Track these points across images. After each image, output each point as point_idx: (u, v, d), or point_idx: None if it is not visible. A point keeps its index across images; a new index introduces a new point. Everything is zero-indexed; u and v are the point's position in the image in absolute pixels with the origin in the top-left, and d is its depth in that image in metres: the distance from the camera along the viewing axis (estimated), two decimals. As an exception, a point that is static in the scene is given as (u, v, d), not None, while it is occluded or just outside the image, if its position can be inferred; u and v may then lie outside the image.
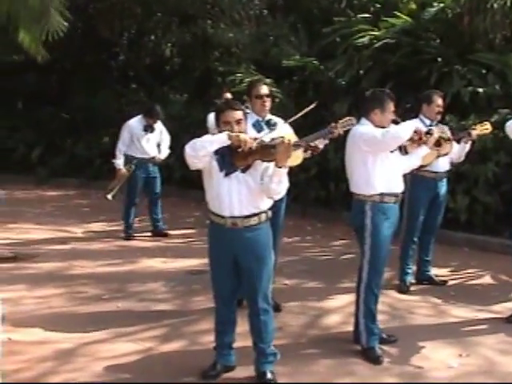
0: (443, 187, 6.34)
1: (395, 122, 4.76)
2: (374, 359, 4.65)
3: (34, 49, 10.09)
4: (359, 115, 4.88)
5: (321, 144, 5.10)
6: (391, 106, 4.75)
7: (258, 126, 5.28)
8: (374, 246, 4.69)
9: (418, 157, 4.96)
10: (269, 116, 5.49)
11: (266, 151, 4.00)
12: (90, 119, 13.76)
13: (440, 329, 5.32)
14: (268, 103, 5.48)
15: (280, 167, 3.95)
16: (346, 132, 4.97)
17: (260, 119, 5.41)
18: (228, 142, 4.00)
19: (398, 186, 4.78)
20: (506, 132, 5.55)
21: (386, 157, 4.68)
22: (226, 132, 4.02)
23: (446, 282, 6.51)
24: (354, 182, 4.80)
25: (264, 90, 5.53)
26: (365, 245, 4.73)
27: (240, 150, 4.01)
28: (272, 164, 4.02)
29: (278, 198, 4.13)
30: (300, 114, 4.71)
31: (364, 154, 4.66)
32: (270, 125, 5.23)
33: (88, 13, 13.81)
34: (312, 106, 4.69)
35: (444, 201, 6.48)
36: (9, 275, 6.52)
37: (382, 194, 4.67)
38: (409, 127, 4.66)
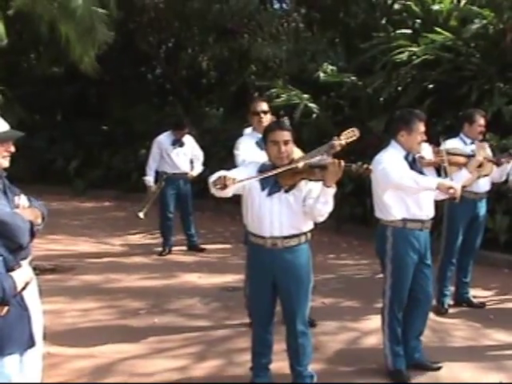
0: (483, 208, 6.25)
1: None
2: (402, 381, 4.60)
3: (87, 61, 10.25)
4: (388, 137, 4.80)
5: (325, 161, 4.99)
6: (419, 127, 4.58)
7: (261, 144, 5.17)
8: (395, 273, 4.62)
9: (457, 182, 4.77)
10: None
11: (314, 171, 3.99)
12: (128, 132, 13.90)
13: (480, 353, 5.23)
14: (267, 120, 5.39)
15: (328, 187, 3.92)
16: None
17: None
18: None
19: (426, 212, 4.64)
20: None
21: None
22: (212, 181, 3.98)
23: (484, 304, 6.40)
24: (376, 206, 4.73)
25: (261, 106, 5.51)
26: (386, 271, 4.68)
27: (288, 168, 4.00)
28: (317, 186, 4.01)
29: (321, 219, 4.07)
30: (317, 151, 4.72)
31: (376, 179, 4.60)
32: None
33: (127, 27, 13.94)
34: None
35: (484, 222, 6.39)
36: (48, 287, 6.51)
37: (404, 220, 4.57)
38: (432, 184, 4.51)
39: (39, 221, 3.26)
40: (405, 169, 4.54)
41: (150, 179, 8.52)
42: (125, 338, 5.40)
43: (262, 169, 4.14)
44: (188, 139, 8.64)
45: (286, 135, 4.12)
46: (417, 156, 4.65)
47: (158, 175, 8.51)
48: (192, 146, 8.67)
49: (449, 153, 4.92)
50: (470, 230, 6.21)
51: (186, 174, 8.57)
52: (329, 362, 5.00)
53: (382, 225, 4.67)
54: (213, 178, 4.02)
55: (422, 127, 4.60)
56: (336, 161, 3.89)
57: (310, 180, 4.03)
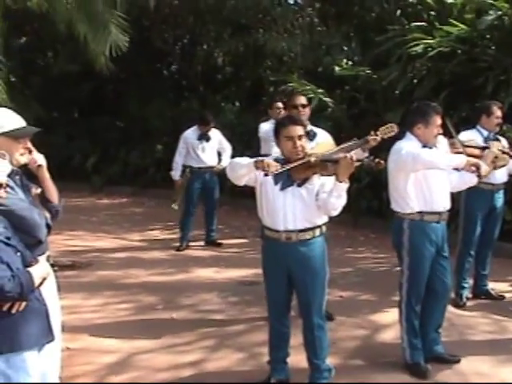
0: (500, 199, 6.22)
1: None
2: (421, 374, 4.60)
3: (101, 61, 10.32)
4: (404, 129, 4.78)
5: (360, 156, 4.99)
6: (436, 120, 4.56)
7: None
8: (412, 265, 4.62)
9: (473, 175, 4.73)
10: (309, 127, 5.46)
11: (326, 165, 4.00)
12: (144, 128, 13.95)
13: (501, 345, 5.21)
14: (305, 113, 5.47)
15: (341, 182, 3.92)
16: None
17: None
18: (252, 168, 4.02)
19: (443, 204, 4.63)
20: None
21: (426, 174, 4.55)
22: (254, 160, 4.01)
23: (503, 296, 6.37)
24: (392, 199, 4.72)
25: (300, 100, 5.56)
26: (403, 263, 4.68)
27: (300, 162, 4.02)
28: (329, 180, 4.01)
29: (335, 213, 4.07)
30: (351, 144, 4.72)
31: (398, 171, 4.58)
32: (310, 135, 5.17)
33: (142, 24, 13.98)
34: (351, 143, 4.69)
35: (501, 213, 6.36)
36: (66, 283, 6.53)
37: (421, 213, 4.56)
38: (460, 159, 4.49)
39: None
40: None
41: (175, 173, 8.60)
42: (142, 333, 5.44)
43: (276, 163, 4.15)
44: (214, 133, 8.71)
45: (300, 130, 4.13)
46: (433, 148, 4.63)
47: (185, 169, 8.59)
48: (218, 139, 8.74)
49: (464, 145, 4.89)
50: (488, 222, 6.19)
51: (212, 167, 8.62)
52: (346, 355, 5.01)
53: (398, 217, 4.66)
54: (242, 160, 4.07)
55: (438, 120, 4.59)
56: (348, 156, 3.89)
57: (323, 175, 4.04)
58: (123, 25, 9.83)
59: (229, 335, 5.46)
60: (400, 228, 4.64)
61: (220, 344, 5.28)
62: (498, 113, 6.06)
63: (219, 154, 8.74)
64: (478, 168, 4.45)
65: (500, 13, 9.00)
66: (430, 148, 4.60)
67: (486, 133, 5.97)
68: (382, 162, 3.94)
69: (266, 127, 7.37)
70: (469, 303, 6.17)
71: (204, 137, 8.56)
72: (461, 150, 4.82)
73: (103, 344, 5.24)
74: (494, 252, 6.50)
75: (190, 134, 8.61)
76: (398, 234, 4.66)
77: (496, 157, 5.08)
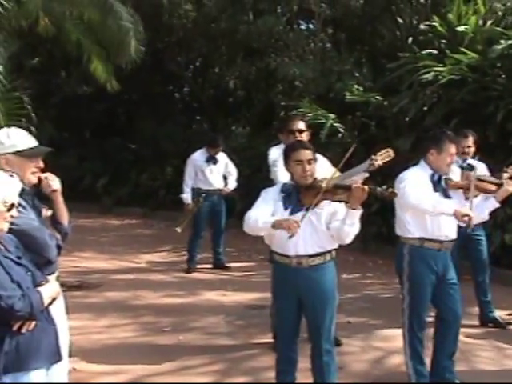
0: (477, 229, 5.96)
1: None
2: None
3: (106, 78, 10.44)
4: (418, 156, 4.80)
5: (360, 178, 5.01)
6: (450, 148, 4.56)
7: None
8: (412, 291, 4.62)
9: (483, 211, 4.68)
10: None
11: (337, 191, 4.01)
12: (155, 150, 14.03)
13: (506, 374, 5.17)
14: (301, 138, 5.37)
15: (354, 209, 3.94)
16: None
17: None
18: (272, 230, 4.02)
19: (445, 233, 4.59)
20: None
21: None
22: (272, 223, 3.99)
23: (510, 323, 6.34)
24: (396, 223, 4.75)
25: (297, 125, 5.52)
26: (404, 289, 4.68)
27: (311, 188, 4.05)
28: (341, 207, 4.04)
29: (348, 241, 4.08)
30: (344, 160, 4.72)
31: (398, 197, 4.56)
32: None
33: (155, 46, 14.14)
34: (352, 149, 4.68)
35: (481, 240, 6.26)
36: (74, 304, 6.56)
37: (421, 239, 4.56)
38: (448, 210, 4.44)
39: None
40: (425, 191, 4.52)
41: (187, 197, 8.60)
42: (149, 356, 5.43)
43: (284, 189, 4.20)
44: (222, 156, 8.76)
45: (309, 154, 4.16)
46: (443, 177, 4.63)
47: (194, 192, 8.58)
48: (225, 163, 8.79)
49: (479, 179, 4.82)
50: (469, 252, 6.15)
51: (220, 190, 8.66)
52: (354, 380, 4.98)
53: (400, 242, 4.69)
54: (259, 221, 4.03)
55: (452, 148, 4.59)
56: (360, 185, 3.90)
57: (333, 200, 4.05)
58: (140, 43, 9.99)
59: (236, 359, 5.44)
60: (401, 253, 4.66)
61: (227, 368, 5.26)
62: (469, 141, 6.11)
63: (225, 178, 8.77)
64: (469, 219, 4.39)
65: (510, 42, 9.05)
66: (440, 177, 4.61)
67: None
68: (395, 191, 3.96)
69: (276, 152, 7.38)
70: (477, 331, 6.13)
71: (212, 159, 8.60)
72: (472, 183, 4.69)
73: (110, 365, 5.22)
74: (501, 280, 6.55)
75: (198, 156, 8.65)
76: (399, 259, 4.68)
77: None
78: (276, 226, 3.97)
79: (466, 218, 4.39)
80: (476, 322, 6.32)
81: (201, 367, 5.25)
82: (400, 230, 4.68)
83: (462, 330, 5.59)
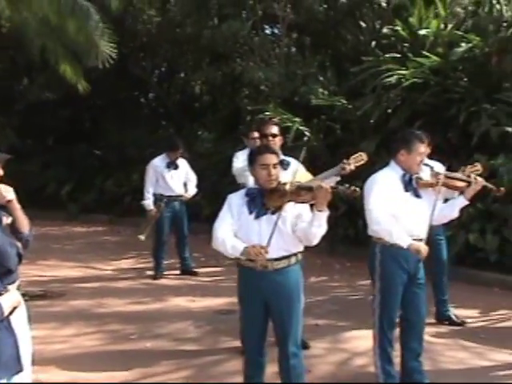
0: (438, 230, 6.04)
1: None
2: None
3: (76, 80, 10.36)
4: (385, 158, 4.85)
5: (332, 182, 5.07)
6: (419, 148, 4.63)
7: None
8: (384, 290, 4.65)
9: (453, 208, 4.77)
10: (281, 156, 5.51)
11: (300, 192, 4.03)
12: (121, 156, 13.94)
13: (473, 373, 5.22)
14: (274, 142, 5.43)
15: (320, 211, 3.95)
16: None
17: None
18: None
19: (416, 233, 4.60)
20: None
21: (401, 202, 4.60)
22: (242, 248, 4.02)
23: (465, 322, 6.42)
24: (367, 224, 4.77)
25: (270, 129, 5.53)
26: (375, 288, 4.71)
27: (275, 191, 4.06)
28: (306, 209, 4.06)
29: (315, 242, 4.10)
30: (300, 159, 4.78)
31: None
32: (284, 165, 5.21)
33: (120, 52, 14.05)
34: (304, 153, 4.73)
35: (441, 240, 6.31)
36: (38, 313, 6.48)
37: None
38: (403, 243, 4.49)
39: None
40: (386, 214, 4.54)
41: (149, 203, 8.53)
42: (116, 363, 5.37)
43: (249, 193, 4.21)
44: (182, 162, 8.71)
45: (274, 158, 4.18)
46: (414, 176, 4.68)
47: (156, 198, 8.52)
48: (185, 169, 8.75)
49: (448, 176, 4.89)
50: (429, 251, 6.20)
51: (181, 196, 8.63)
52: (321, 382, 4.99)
53: (372, 242, 4.72)
54: (228, 245, 4.07)
55: (421, 148, 4.66)
56: (322, 185, 3.93)
57: (297, 202, 4.07)
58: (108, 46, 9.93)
59: (203, 364, 5.42)
60: (373, 252, 4.69)
61: (195, 373, 5.23)
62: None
63: (184, 184, 8.73)
64: (421, 255, 4.48)
65: (471, 45, 9.20)
66: (411, 177, 4.65)
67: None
68: (358, 189, 3.98)
69: (242, 157, 7.39)
70: (441, 330, 6.19)
71: (172, 165, 8.55)
72: (440, 181, 4.74)
73: (75, 375, 5.15)
74: (468, 279, 6.56)
75: (159, 161, 8.60)
76: (372, 258, 4.71)
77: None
78: (245, 254, 4.01)
79: (419, 255, 4.48)
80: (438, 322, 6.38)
81: (167, 374, 5.21)
82: (371, 230, 4.72)
83: (428, 329, 5.69)
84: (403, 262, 4.62)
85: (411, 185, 4.65)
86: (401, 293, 4.66)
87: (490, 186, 4.94)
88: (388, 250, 4.61)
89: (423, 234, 4.67)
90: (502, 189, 5.03)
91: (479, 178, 4.78)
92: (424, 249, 4.46)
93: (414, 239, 4.61)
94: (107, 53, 9.93)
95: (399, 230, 4.54)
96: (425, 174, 4.86)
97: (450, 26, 9.88)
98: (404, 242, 4.50)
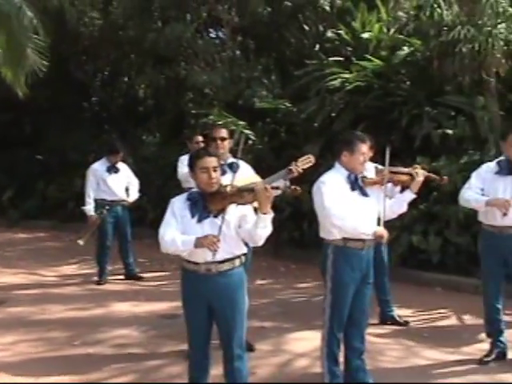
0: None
1: None
2: None
3: (17, 84, 10.15)
4: (329, 160, 4.89)
5: (281, 184, 5.10)
6: (361, 148, 4.69)
7: (221, 170, 5.27)
8: (335, 291, 4.67)
9: (402, 203, 4.87)
10: (231, 159, 5.52)
11: (243, 194, 4.04)
12: (63, 161, 13.70)
13: (413, 371, 5.28)
14: (223, 146, 5.50)
15: (265, 213, 3.95)
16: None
17: (222, 162, 5.40)
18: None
19: (367, 231, 4.66)
20: (460, 203, 5.50)
21: (351, 202, 4.64)
22: (194, 239, 4.01)
23: (408, 322, 6.49)
24: (320, 225, 4.80)
25: (219, 133, 5.56)
26: (326, 288, 4.73)
27: (217, 193, 4.06)
28: (250, 210, 4.06)
29: (261, 243, 4.10)
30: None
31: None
32: (233, 168, 5.22)
33: (61, 55, 13.82)
34: (243, 139, 4.75)
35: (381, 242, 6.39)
36: (-24, 321, 6.42)
37: (345, 239, 4.63)
38: (369, 229, 4.62)
39: None
40: (344, 209, 4.59)
41: (90, 208, 8.37)
42: (58, 370, 5.26)
43: (190, 197, 4.19)
44: (122, 166, 8.61)
45: (214, 161, 4.18)
46: (359, 176, 4.72)
47: (97, 204, 8.37)
48: (127, 173, 8.65)
49: (392, 172, 4.96)
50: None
51: (124, 200, 8.52)
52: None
53: (325, 243, 4.74)
54: (178, 243, 4.04)
55: (363, 148, 4.71)
56: (262, 185, 3.96)
57: (239, 204, 4.06)
58: (42, 50, 9.73)
59: (148, 369, 5.35)
60: (326, 253, 4.71)
61: (139, 378, 5.16)
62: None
63: (126, 189, 8.61)
64: (381, 238, 4.62)
65: (412, 49, 9.36)
66: (356, 176, 4.69)
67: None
68: (298, 188, 4.02)
69: (186, 161, 7.34)
70: (380, 331, 6.23)
71: (113, 168, 8.43)
72: (386, 177, 4.80)
73: (15, 382, 5.03)
74: (411, 280, 6.64)
75: (98, 165, 8.48)
76: (324, 259, 4.72)
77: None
78: (198, 245, 3.98)
79: (379, 239, 4.62)
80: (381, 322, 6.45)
81: (111, 379, 5.13)
82: (323, 233, 4.74)
83: (371, 330, 5.76)
84: (355, 261, 4.66)
85: (357, 184, 4.70)
86: (352, 293, 4.69)
87: (433, 176, 5.06)
88: (340, 251, 4.64)
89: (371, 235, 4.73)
90: (445, 177, 5.16)
91: (421, 170, 4.90)
92: (386, 233, 4.59)
93: (364, 238, 4.66)
94: (39, 60, 9.72)
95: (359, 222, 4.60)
96: (369, 173, 4.93)
97: (392, 30, 10.05)
98: (369, 230, 4.59)
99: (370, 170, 5.01)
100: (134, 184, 8.71)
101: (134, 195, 8.66)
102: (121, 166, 8.56)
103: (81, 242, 8.26)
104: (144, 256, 9.46)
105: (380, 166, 5.20)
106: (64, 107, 14.59)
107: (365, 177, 4.78)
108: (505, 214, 5.06)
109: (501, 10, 8.53)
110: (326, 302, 4.73)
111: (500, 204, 5.08)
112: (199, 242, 3.98)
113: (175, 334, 5.91)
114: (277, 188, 4.03)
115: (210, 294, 4.15)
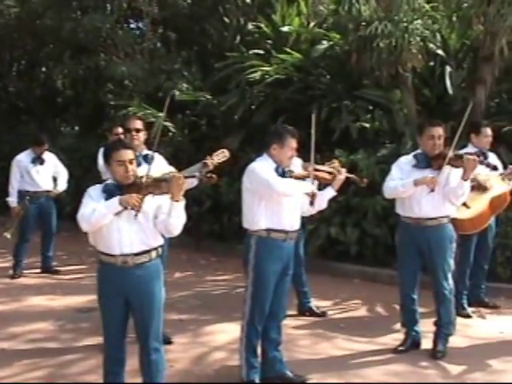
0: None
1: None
2: None
3: None
4: (260, 150, 4.90)
5: (197, 173, 5.09)
6: (291, 143, 4.71)
7: (136, 161, 5.24)
8: (256, 282, 4.69)
9: (322, 199, 4.89)
10: (145, 151, 5.48)
11: (157, 185, 4.02)
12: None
13: (329, 361, 5.36)
14: (138, 137, 5.46)
15: (176, 201, 3.95)
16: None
17: (137, 154, 5.36)
18: (120, 208, 3.97)
19: (290, 223, 4.73)
20: (385, 195, 5.61)
21: None
22: (117, 198, 3.97)
23: (325, 313, 6.59)
24: (243, 217, 4.81)
25: (134, 124, 5.53)
26: (248, 279, 4.75)
27: (132, 185, 4.02)
28: (166, 200, 4.03)
29: (177, 233, 4.08)
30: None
31: (248, 189, 4.71)
32: (148, 159, 5.17)
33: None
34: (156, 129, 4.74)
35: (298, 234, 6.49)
36: None
37: (268, 230, 4.66)
38: (305, 187, 4.69)
39: None
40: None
41: (13, 200, 8.22)
42: (-32, 367, 5.11)
43: (106, 189, 4.12)
44: (49, 156, 8.45)
45: (131, 154, 4.13)
46: (286, 169, 4.75)
47: (21, 195, 8.20)
48: (54, 163, 8.49)
49: (316, 169, 5.01)
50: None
51: (49, 192, 8.35)
52: (180, 377, 4.97)
53: (248, 234, 4.75)
54: (99, 210, 3.95)
55: (293, 143, 4.73)
56: (177, 174, 3.97)
57: (156, 194, 4.04)
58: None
59: (62, 363, 5.25)
60: (248, 244, 4.72)
61: (52, 373, 5.06)
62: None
63: (54, 179, 8.47)
64: (313, 196, 4.66)
65: (331, 43, 9.48)
66: (283, 170, 4.72)
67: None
68: (214, 176, 4.07)
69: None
70: (298, 322, 6.29)
71: (38, 160, 8.28)
72: (311, 173, 4.85)
73: None
74: (329, 271, 6.72)
75: (23, 157, 8.32)
76: (247, 251, 4.73)
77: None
78: (123, 203, 3.93)
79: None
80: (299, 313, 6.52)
81: (25, 374, 5.01)
82: (247, 223, 4.74)
83: (289, 321, 5.82)
84: (278, 252, 4.69)
85: (285, 177, 4.72)
86: (274, 285, 4.71)
87: (353, 177, 5.14)
88: (263, 241, 4.66)
89: (297, 225, 4.80)
90: (365, 180, 5.24)
91: (343, 170, 4.97)
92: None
93: (289, 231, 4.72)
94: None
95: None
96: (296, 168, 4.97)
97: (312, 24, 10.15)
98: (309, 187, 4.68)
99: (296, 164, 5.05)
100: (63, 174, 8.56)
101: (62, 185, 8.50)
102: (47, 156, 8.40)
103: (8, 235, 8.11)
104: (62, 249, 9.25)
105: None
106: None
107: (291, 171, 4.81)
108: (432, 190, 5.19)
109: (417, 6, 8.75)
110: (247, 293, 4.74)
111: (428, 181, 5.21)
112: (123, 200, 3.93)
113: (92, 327, 5.83)
114: (193, 176, 4.02)
115: (126, 286, 4.10)
